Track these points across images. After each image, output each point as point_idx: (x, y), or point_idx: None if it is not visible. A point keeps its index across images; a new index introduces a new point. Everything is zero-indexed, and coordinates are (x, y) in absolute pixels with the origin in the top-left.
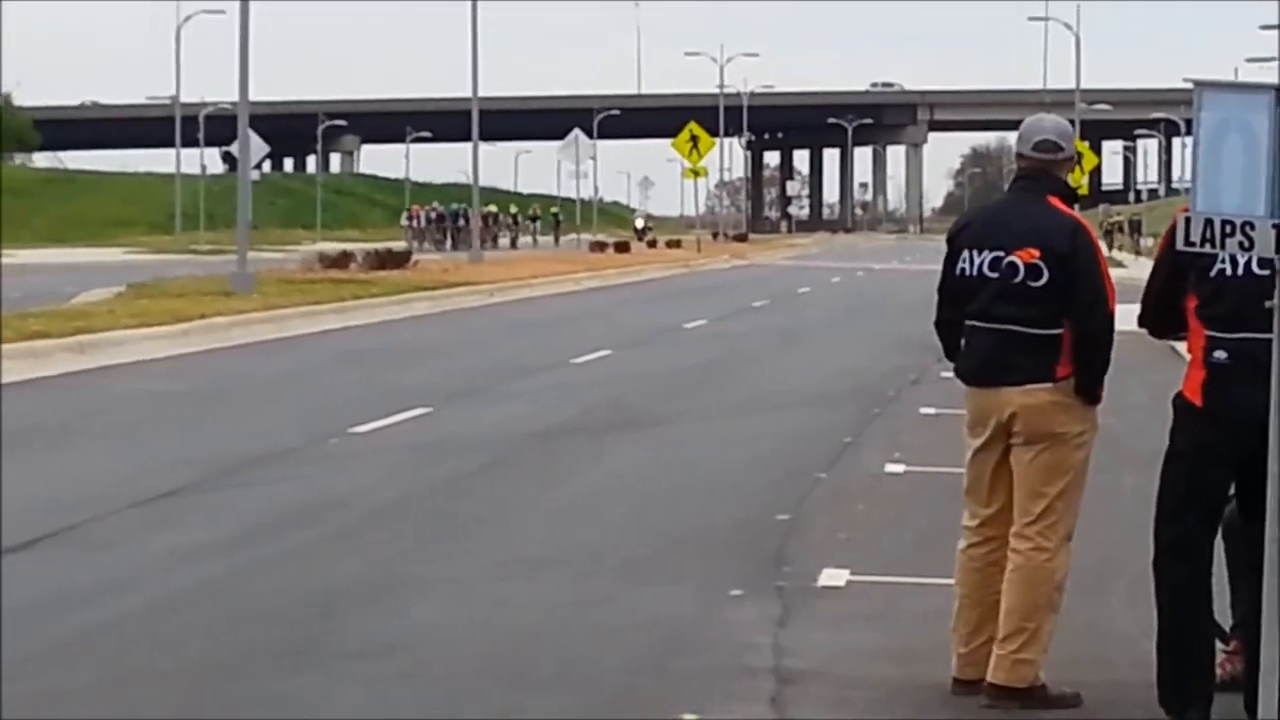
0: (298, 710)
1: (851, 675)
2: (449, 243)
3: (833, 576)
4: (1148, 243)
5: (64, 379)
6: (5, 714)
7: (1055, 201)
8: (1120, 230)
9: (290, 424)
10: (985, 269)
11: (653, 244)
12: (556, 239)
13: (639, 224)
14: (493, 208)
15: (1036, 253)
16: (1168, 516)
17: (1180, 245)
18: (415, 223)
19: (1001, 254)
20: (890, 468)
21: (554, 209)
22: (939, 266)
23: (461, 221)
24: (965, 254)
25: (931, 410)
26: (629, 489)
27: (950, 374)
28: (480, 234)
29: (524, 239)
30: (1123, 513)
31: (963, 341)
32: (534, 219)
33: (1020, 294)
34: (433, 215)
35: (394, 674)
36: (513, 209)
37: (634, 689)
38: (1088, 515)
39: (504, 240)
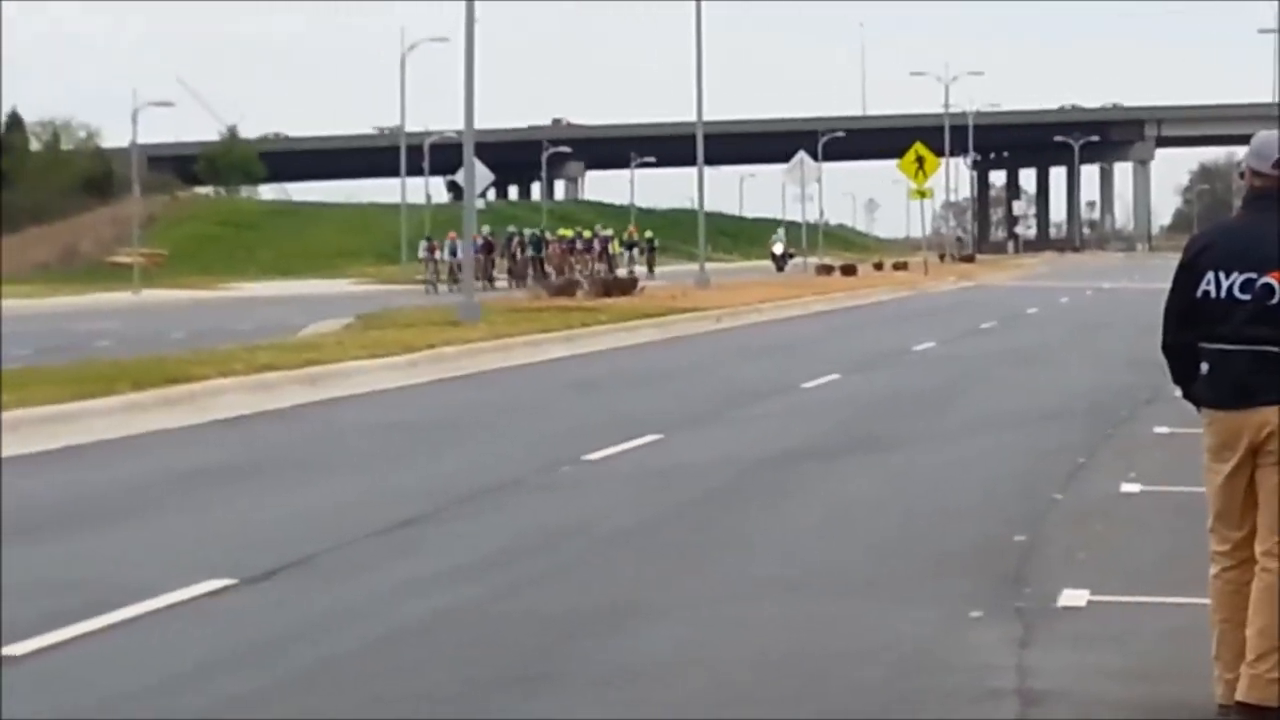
0: None
1: (1096, 696)
2: (494, 279)
3: (1073, 597)
4: None
5: (295, 410)
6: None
7: None
8: None
9: (522, 452)
10: (1236, 291)
11: (781, 267)
12: (651, 268)
13: (777, 249)
14: (567, 232)
15: None
16: None
17: None
18: (439, 254)
19: (1255, 275)
20: (1126, 487)
21: (648, 233)
22: (1169, 285)
23: (546, 250)
24: (1210, 276)
25: (1166, 429)
26: (863, 511)
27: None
28: (557, 264)
29: (619, 270)
30: None
31: (1204, 366)
32: (630, 246)
33: (1275, 315)
34: (478, 244)
35: (633, 699)
36: (597, 230)
37: (876, 711)
38: None
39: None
